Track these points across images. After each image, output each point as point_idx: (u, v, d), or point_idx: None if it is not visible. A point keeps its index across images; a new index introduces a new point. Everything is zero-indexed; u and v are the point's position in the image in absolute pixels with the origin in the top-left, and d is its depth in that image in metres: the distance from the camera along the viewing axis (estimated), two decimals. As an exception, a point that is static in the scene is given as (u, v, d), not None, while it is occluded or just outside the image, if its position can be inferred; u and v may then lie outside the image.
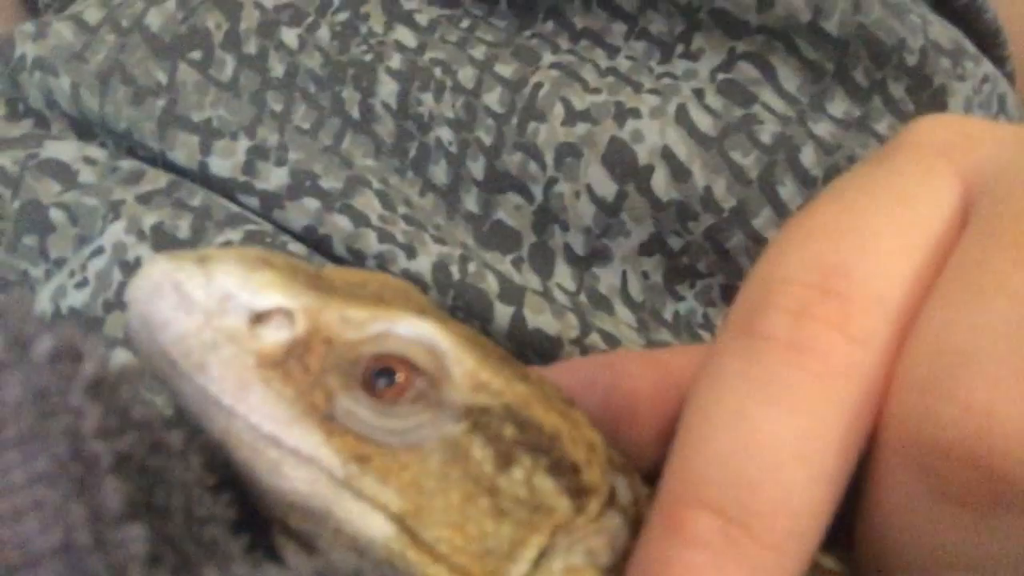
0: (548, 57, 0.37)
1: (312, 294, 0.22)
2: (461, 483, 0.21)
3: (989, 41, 0.40)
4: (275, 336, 0.22)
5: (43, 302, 0.35)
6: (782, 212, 0.35)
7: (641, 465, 0.24)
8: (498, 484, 0.22)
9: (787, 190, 0.35)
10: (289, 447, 0.21)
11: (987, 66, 0.38)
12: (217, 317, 0.22)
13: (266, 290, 0.22)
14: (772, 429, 0.19)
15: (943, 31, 0.37)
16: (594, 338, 0.34)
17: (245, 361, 0.21)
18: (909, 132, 0.23)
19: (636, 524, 0.22)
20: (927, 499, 0.20)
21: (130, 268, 0.34)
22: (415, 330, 0.22)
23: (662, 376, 0.24)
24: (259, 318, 0.22)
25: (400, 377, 0.22)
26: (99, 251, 0.35)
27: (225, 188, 0.36)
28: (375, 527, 0.21)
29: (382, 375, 0.22)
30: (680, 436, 0.21)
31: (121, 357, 0.33)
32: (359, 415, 0.21)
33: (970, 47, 0.38)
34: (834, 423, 0.20)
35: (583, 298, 0.36)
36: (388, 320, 0.22)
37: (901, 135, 0.23)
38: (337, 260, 0.35)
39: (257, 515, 0.24)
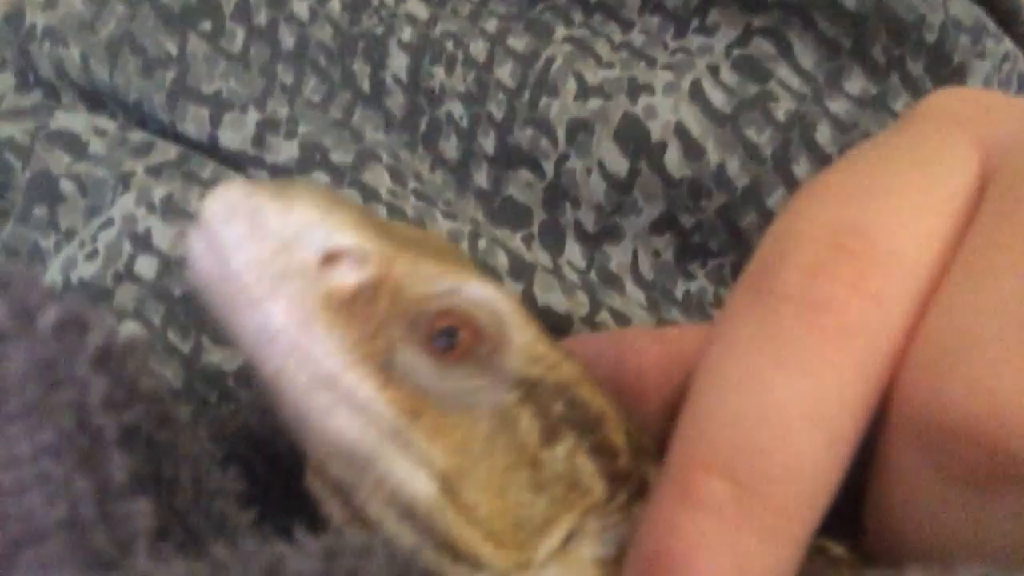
0: (561, 31, 0.37)
1: (385, 241, 0.22)
2: (506, 451, 0.21)
3: (1011, 18, 0.39)
4: (345, 277, 0.21)
5: (53, 273, 0.35)
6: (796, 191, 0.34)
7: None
8: (541, 458, 0.22)
9: (802, 168, 0.34)
10: (344, 391, 0.21)
11: (1008, 44, 0.38)
12: (290, 249, 0.21)
13: (343, 229, 0.22)
14: (785, 392, 0.19)
15: (963, 8, 0.36)
16: (604, 316, 0.34)
17: (312, 298, 0.21)
18: (926, 103, 0.23)
19: None
20: (934, 477, 0.19)
21: (140, 240, 0.34)
22: (483, 293, 0.22)
23: (670, 352, 0.24)
24: (331, 257, 0.21)
25: (463, 337, 0.22)
26: (109, 223, 0.35)
27: (235, 161, 0.35)
28: (418, 482, 0.21)
29: (444, 335, 0.22)
30: (691, 398, 0.20)
31: (130, 329, 0.33)
32: (417, 370, 0.21)
33: (991, 25, 0.37)
34: (848, 385, 0.19)
35: (593, 276, 0.36)
36: (458, 279, 0.22)
37: (918, 106, 0.23)
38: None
39: (265, 488, 0.24)
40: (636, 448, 0.23)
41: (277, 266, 0.21)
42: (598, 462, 0.22)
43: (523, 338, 0.22)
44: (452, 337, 0.21)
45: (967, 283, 0.19)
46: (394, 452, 0.21)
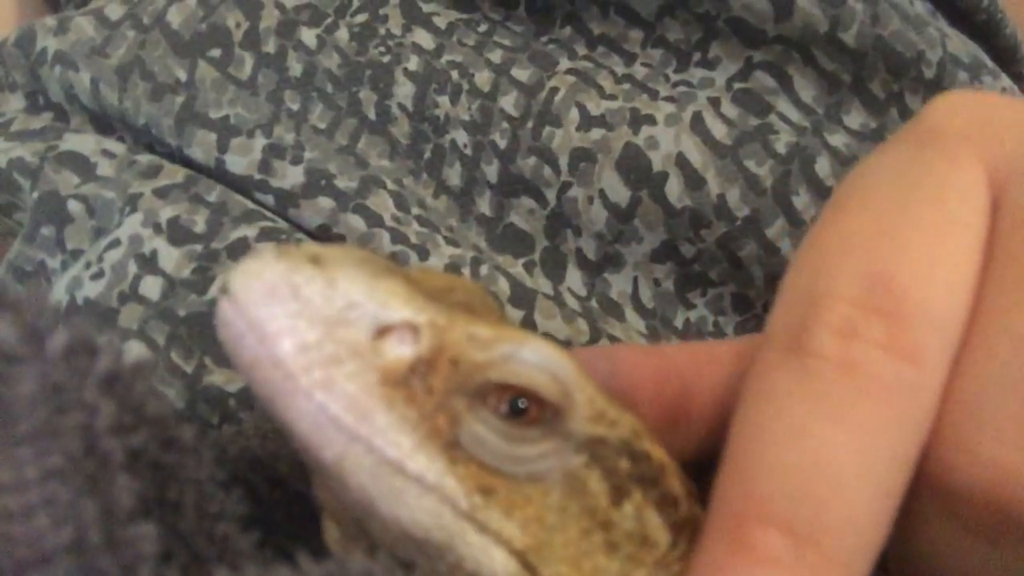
0: (565, 62, 0.37)
1: (436, 308, 0.21)
2: (579, 518, 0.21)
3: (1008, 56, 0.40)
4: (398, 352, 0.20)
5: (59, 292, 0.35)
6: (796, 222, 0.35)
7: None
8: (612, 518, 0.21)
9: (801, 200, 0.35)
10: (413, 475, 0.20)
11: (1005, 81, 0.38)
12: (339, 329, 0.20)
13: (393, 301, 0.20)
14: (835, 446, 0.19)
15: (961, 45, 0.37)
16: (604, 344, 0.34)
17: (368, 379, 0.20)
18: (929, 114, 0.23)
19: None
20: (952, 529, 0.20)
21: (145, 260, 0.34)
22: (541, 355, 0.21)
23: (663, 366, 0.24)
24: (382, 331, 0.20)
25: (527, 404, 0.21)
26: (115, 243, 0.35)
27: (241, 185, 0.36)
28: (498, 563, 0.20)
29: (509, 403, 0.21)
30: (735, 450, 0.20)
31: (135, 349, 0.33)
32: (487, 441, 0.20)
33: (988, 61, 0.38)
34: (893, 441, 0.20)
35: (594, 304, 0.36)
36: (514, 342, 0.21)
37: (921, 117, 0.23)
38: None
39: (268, 511, 0.24)
40: (687, 491, 0.23)
41: (327, 350, 0.19)
42: (663, 514, 0.22)
43: (584, 397, 0.21)
44: (517, 405, 0.20)
45: (978, 350, 0.20)
46: (471, 533, 0.20)
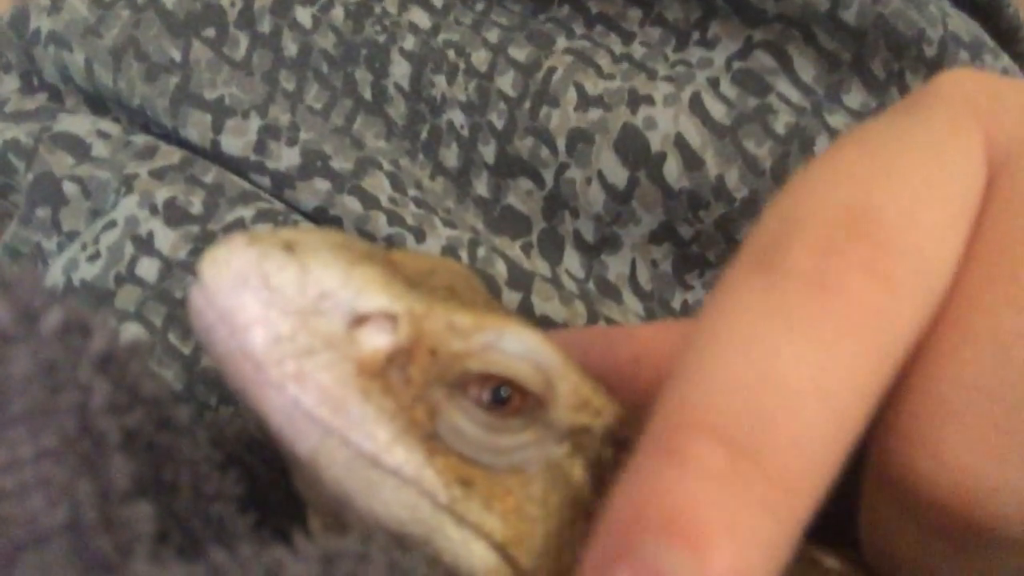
0: (562, 42, 0.37)
1: (414, 295, 0.20)
2: (561, 509, 0.20)
3: (1009, 36, 0.40)
4: (375, 342, 0.20)
5: (55, 274, 0.35)
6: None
7: None
8: (594, 509, 0.20)
9: None
10: (390, 468, 0.19)
11: (1006, 60, 0.38)
12: (313, 319, 0.19)
13: (369, 289, 0.20)
14: (791, 360, 0.17)
15: (962, 24, 0.36)
16: (601, 326, 0.34)
17: (344, 370, 0.19)
18: (937, 84, 0.22)
19: None
20: (912, 531, 0.19)
21: (142, 242, 0.34)
22: (523, 344, 0.20)
23: (637, 349, 0.23)
24: (358, 321, 0.19)
25: (509, 394, 0.20)
26: (111, 224, 0.35)
27: (237, 166, 0.36)
28: (477, 556, 0.20)
29: (490, 394, 0.20)
30: (683, 359, 0.18)
31: (132, 331, 0.33)
32: (465, 432, 0.20)
33: (989, 41, 0.37)
34: (860, 367, 0.18)
35: (591, 286, 0.36)
36: (495, 330, 0.20)
37: (929, 86, 0.22)
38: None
39: (264, 492, 0.24)
40: None
41: (300, 341, 0.19)
42: None
43: (568, 386, 0.20)
44: (498, 395, 0.20)
45: (953, 344, 0.19)
46: (450, 526, 0.19)
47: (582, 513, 0.20)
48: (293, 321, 0.19)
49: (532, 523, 0.20)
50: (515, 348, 0.20)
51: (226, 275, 0.19)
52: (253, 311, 0.19)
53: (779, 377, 0.17)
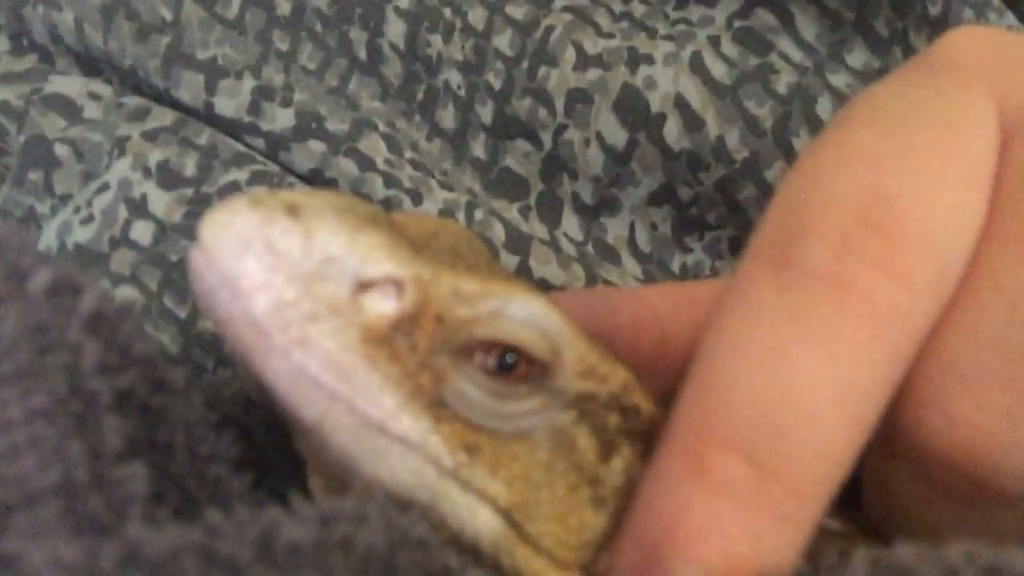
0: (560, 0, 0.36)
1: (420, 261, 0.20)
2: (566, 474, 0.20)
3: (1015, -7, 0.39)
4: (380, 308, 0.19)
5: (48, 238, 0.35)
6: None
7: None
8: (599, 474, 0.21)
9: (801, 142, 0.34)
10: (396, 435, 0.19)
11: (1011, 19, 0.37)
12: (318, 284, 0.19)
13: (374, 255, 0.19)
14: (813, 374, 0.18)
15: (968, -19, 0.36)
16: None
17: (349, 337, 0.19)
18: (944, 46, 0.22)
19: None
20: (920, 486, 0.20)
21: (136, 205, 0.34)
22: (529, 311, 0.20)
23: (640, 312, 0.23)
24: (363, 286, 0.19)
25: (515, 360, 0.20)
26: (104, 187, 0.34)
27: (231, 128, 0.35)
28: (482, 521, 0.20)
29: (496, 360, 0.20)
30: (704, 367, 0.19)
31: (126, 294, 0.33)
32: (471, 398, 0.20)
33: (995, -1, 0.37)
34: (874, 370, 0.18)
35: (590, 248, 0.36)
36: (501, 297, 0.20)
37: (936, 48, 0.22)
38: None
39: (262, 454, 0.24)
40: None
41: (305, 307, 0.19)
42: None
43: (574, 353, 0.20)
44: (504, 361, 0.20)
45: (967, 306, 0.19)
46: (455, 491, 0.19)
47: (587, 479, 0.21)
48: (297, 286, 0.19)
49: (537, 489, 0.20)
50: (521, 315, 0.20)
51: (229, 238, 0.18)
52: (257, 276, 0.18)
53: (797, 389, 0.18)
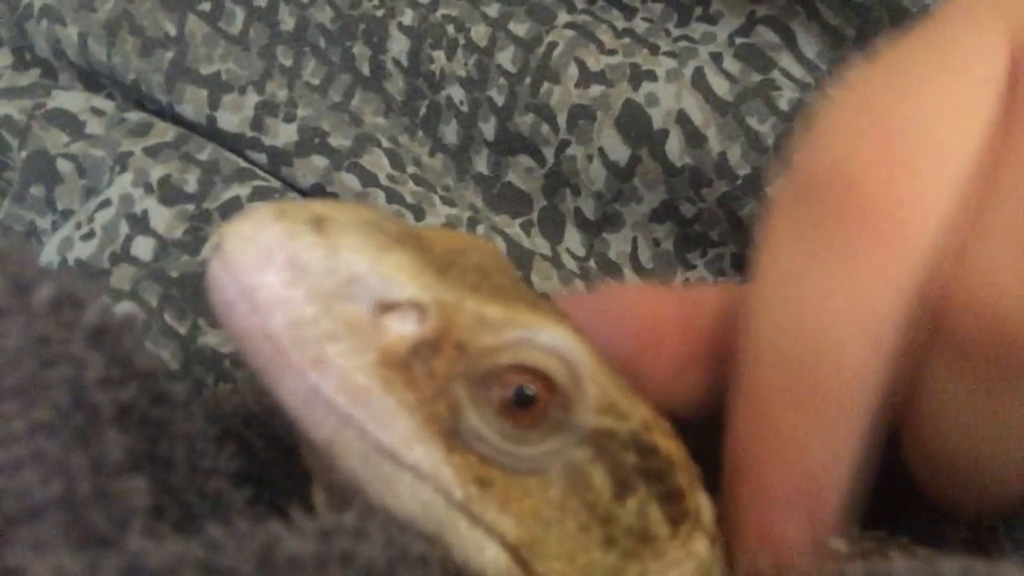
0: (563, 16, 0.36)
1: (444, 285, 0.20)
2: (578, 512, 0.20)
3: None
4: (401, 331, 0.19)
5: (49, 253, 0.35)
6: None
7: None
8: (613, 513, 0.20)
9: None
10: (407, 463, 0.19)
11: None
12: (339, 302, 0.18)
13: (399, 277, 0.19)
14: (827, 297, 0.21)
15: None
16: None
17: (366, 359, 0.19)
18: None
19: (715, 543, 0.22)
20: (955, 380, 0.21)
21: (137, 221, 0.34)
22: (554, 340, 0.20)
23: (650, 315, 0.24)
24: (385, 308, 0.19)
25: (534, 391, 0.20)
26: (106, 203, 0.34)
27: (233, 143, 0.35)
28: (489, 556, 0.19)
29: (516, 394, 0.20)
30: (749, 304, 0.22)
31: (126, 310, 0.33)
32: (486, 434, 0.19)
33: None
34: (893, 290, 0.21)
35: (592, 264, 0.36)
36: (528, 328, 0.20)
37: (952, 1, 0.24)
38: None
39: (262, 468, 0.24)
40: (691, 480, 0.22)
41: (324, 325, 0.18)
42: (666, 509, 0.21)
43: (597, 388, 0.20)
44: (524, 397, 0.19)
45: (990, 211, 0.21)
46: (462, 524, 0.19)
47: (600, 518, 0.20)
48: (317, 304, 0.18)
49: (547, 526, 0.20)
50: (547, 346, 0.20)
51: (251, 250, 0.18)
52: (277, 291, 0.18)
53: (819, 319, 0.21)
